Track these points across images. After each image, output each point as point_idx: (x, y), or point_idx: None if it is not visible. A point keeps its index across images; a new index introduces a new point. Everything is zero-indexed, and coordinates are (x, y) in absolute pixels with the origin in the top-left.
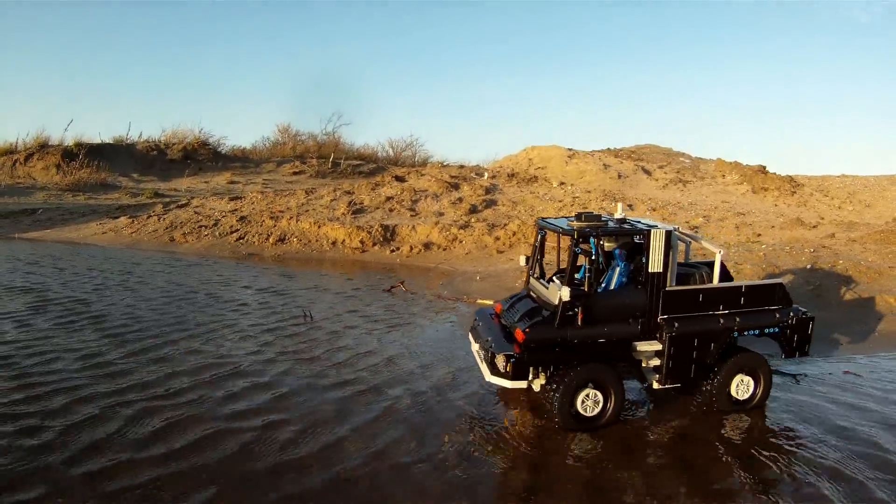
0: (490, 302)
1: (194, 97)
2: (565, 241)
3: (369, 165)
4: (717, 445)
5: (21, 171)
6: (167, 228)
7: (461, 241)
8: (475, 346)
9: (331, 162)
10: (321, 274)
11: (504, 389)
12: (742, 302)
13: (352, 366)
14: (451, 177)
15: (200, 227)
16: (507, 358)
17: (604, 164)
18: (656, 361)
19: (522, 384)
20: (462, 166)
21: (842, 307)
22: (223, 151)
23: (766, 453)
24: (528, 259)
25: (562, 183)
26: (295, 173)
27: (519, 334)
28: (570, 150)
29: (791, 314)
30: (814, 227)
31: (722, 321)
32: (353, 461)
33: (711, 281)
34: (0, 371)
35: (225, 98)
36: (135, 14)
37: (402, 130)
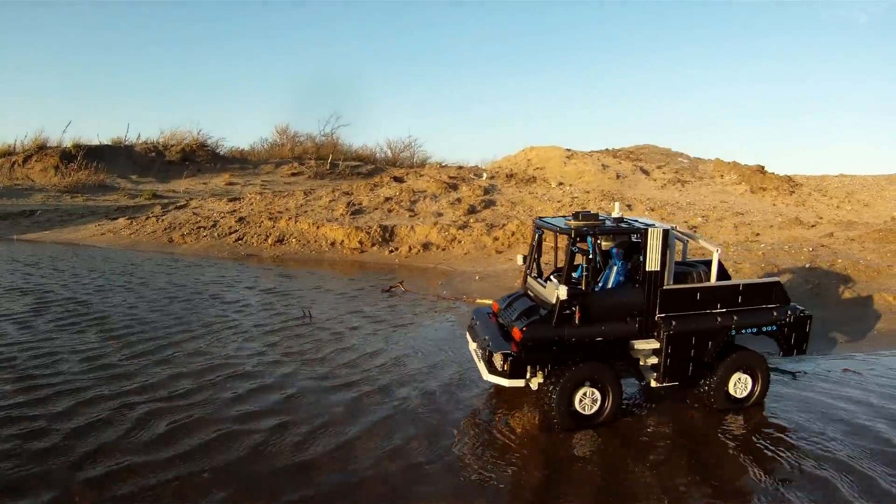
0: (489, 301)
1: (193, 98)
2: (563, 241)
3: (367, 166)
4: (723, 441)
5: (19, 172)
6: (166, 229)
7: (460, 242)
8: (473, 345)
9: (329, 163)
10: (321, 274)
11: (506, 389)
12: (739, 300)
13: (358, 366)
14: (450, 177)
15: (199, 228)
16: (505, 356)
17: (602, 165)
18: (654, 360)
19: (520, 383)
20: (461, 167)
21: (840, 306)
22: (221, 153)
23: (773, 448)
24: (525, 258)
25: (560, 183)
26: (293, 174)
27: (516, 333)
28: (568, 150)
29: (789, 312)
30: (812, 226)
31: (719, 319)
32: (365, 462)
33: (709, 279)
34: (4, 373)
35: (223, 99)
36: (133, 15)
37: (400, 131)
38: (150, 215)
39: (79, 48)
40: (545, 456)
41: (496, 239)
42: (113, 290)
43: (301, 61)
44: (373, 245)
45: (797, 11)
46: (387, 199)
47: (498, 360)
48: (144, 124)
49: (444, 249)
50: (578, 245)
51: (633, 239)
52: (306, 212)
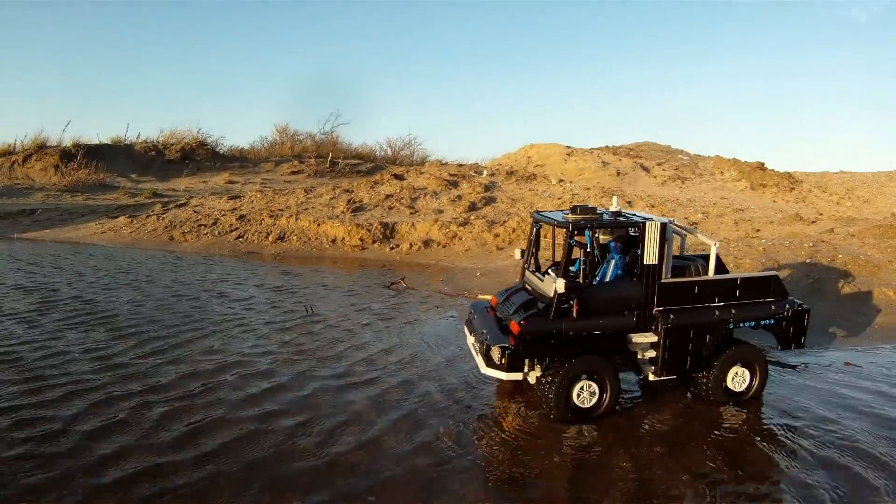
0: (490, 297)
1: (192, 97)
2: (561, 235)
3: (367, 165)
4: (744, 431)
5: (19, 172)
6: (166, 228)
7: (461, 239)
8: (471, 339)
9: (329, 161)
10: (325, 272)
11: (525, 384)
12: (737, 294)
13: (375, 362)
14: (450, 175)
15: (200, 226)
16: (503, 350)
17: (602, 162)
18: (652, 353)
19: (518, 376)
20: (461, 165)
21: (841, 300)
22: (221, 151)
23: (792, 436)
24: (523, 252)
25: (560, 180)
26: (293, 173)
27: (514, 326)
28: (568, 147)
29: (787, 306)
30: (812, 222)
31: (717, 313)
32: (393, 459)
33: (707, 273)
34: (15, 374)
35: (223, 99)
36: (133, 14)
37: (400, 130)
38: (151, 214)
39: (78, 48)
40: (573, 449)
41: (497, 236)
42: (118, 289)
43: (301, 60)
44: (374, 242)
45: (797, 10)
46: (387, 197)
47: (496, 353)
48: (144, 123)
49: (444, 246)
50: (576, 239)
51: (631, 233)
52: (307, 209)
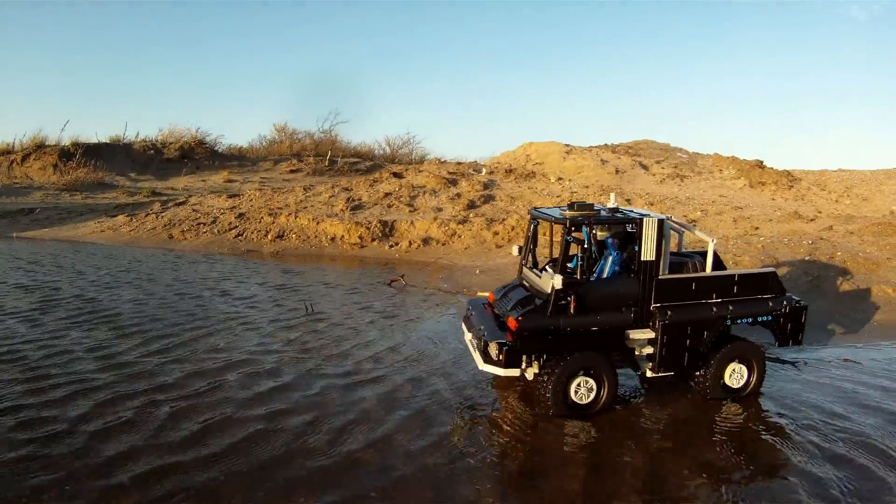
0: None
1: (191, 96)
2: (559, 231)
3: (366, 163)
4: (753, 428)
5: (18, 171)
6: (165, 226)
7: (460, 236)
8: (468, 336)
9: (328, 160)
10: (325, 270)
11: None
12: (735, 290)
13: (382, 360)
14: (449, 173)
15: (199, 224)
16: (500, 346)
17: (601, 160)
18: (649, 349)
19: (515, 372)
20: (460, 163)
21: (840, 297)
22: (220, 150)
23: (800, 429)
24: (521, 249)
25: (559, 178)
26: (292, 171)
27: (511, 322)
28: (567, 145)
29: (784, 303)
30: (811, 220)
31: (715, 309)
32: (405, 457)
33: (704, 270)
34: (20, 373)
35: (221, 98)
36: (131, 14)
37: (398, 129)
38: (150, 212)
39: (77, 47)
40: (581, 445)
41: (496, 233)
42: (120, 287)
43: (299, 59)
44: (373, 240)
45: (796, 9)
46: (386, 195)
47: (493, 349)
48: (143, 122)
49: (444, 244)
50: (574, 235)
51: (629, 229)
52: (306, 207)
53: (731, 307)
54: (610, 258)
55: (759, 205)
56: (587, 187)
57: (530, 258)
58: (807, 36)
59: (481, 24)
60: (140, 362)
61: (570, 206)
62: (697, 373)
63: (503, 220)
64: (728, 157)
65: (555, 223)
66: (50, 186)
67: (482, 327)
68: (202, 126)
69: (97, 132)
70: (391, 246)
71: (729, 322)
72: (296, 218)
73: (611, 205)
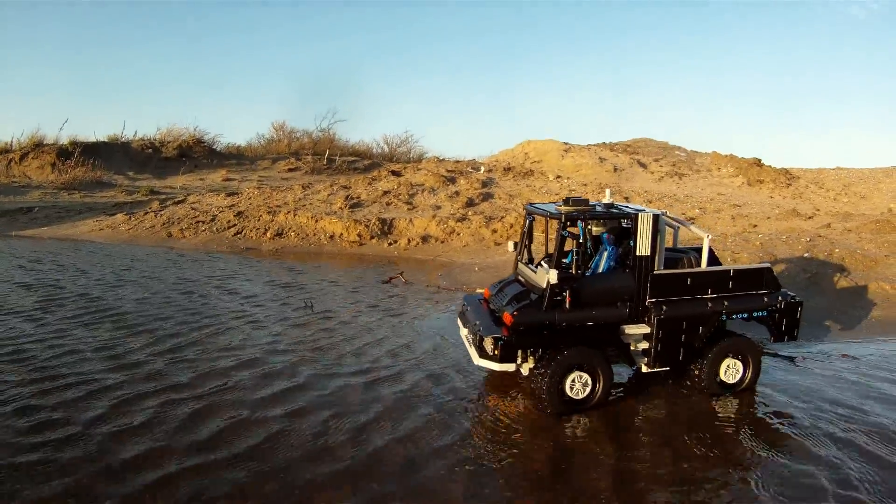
0: None
1: (189, 95)
2: (554, 226)
3: (364, 162)
4: (739, 418)
5: (16, 170)
6: (164, 224)
7: (459, 234)
8: (464, 331)
9: (326, 158)
10: (328, 268)
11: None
12: (730, 286)
13: (397, 356)
14: (448, 171)
15: (198, 222)
16: (496, 341)
17: (600, 158)
18: (645, 345)
19: (510, 367)
20: (458, 161)
21: (838, 294)
22: (218, 149)
23: (806, 418)
24: (516, 244)
25: (558, 176)
26: (290, 170)
27: (507, 317)
28: (565, 144)
29: (779, 298)
30: (809, 217)
31: (710, 305)
32: (428, 455)
33: (699, 265)
34: (29, 374)
35: (219, 97)
36: (131, 13)
37: (396, 128)
38: (149, 210)
39: (76, 46)
40: (616, 447)
41: (495, 231)
42: (124, 286)
43: (297, 58)
44: (371, 238)
45: (796, 8)
46: (385, 193)
47: (489, 344)
48: (141, 121)
49: (443, 242)
50: (569, 230)
51: (624, 224)
52: (305, 205)
53: (726, 302)
54: (605, 253)
55: (758, 202)
56: (586, 185)
57: (526, 253)
58: (805, 34)
59: (480, 21)
60: (151, 362)
61: (566, 201)
62: (693, 368)
63: (502, 217)
64: (726, 156)
65: (550, 218)
66: (48, 185)
67: (478, 322)
68: (200, 125)
69: (95, 131)
70: (390, 244)
71: (724, 317)
72: (294, 216)
73: (606, 200)
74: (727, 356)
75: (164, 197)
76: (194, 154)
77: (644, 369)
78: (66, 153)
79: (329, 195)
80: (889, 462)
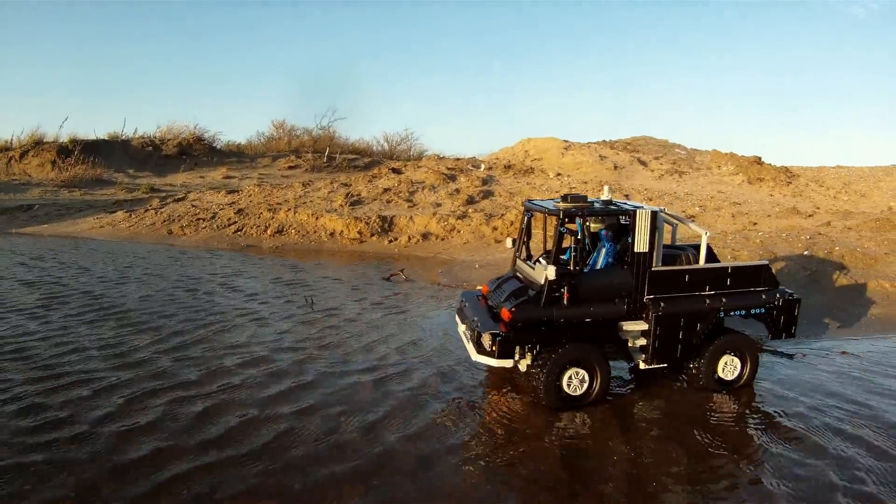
0: None
1: (189, 92)
2: (552, 224)
3: (364, 159)
4: (743, 414)
5: (16, 168)
6: (164, 222)
7: (459, 232)
8: (462, 327)
9: (326, 156)
10: (330, 266)
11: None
12: (728, 283)
13: (405, 353)
14: (448, 168)
15: (198, 220)
16: (493, 337)
17: (600, 156)
18: (642, 341)
19: (508, 363)
20: (458, 159)
21: (837, 292)
22: (218, 147)
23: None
24: (514, 241)
25: (558, 174)
26: (290, 168)
27: (505, 313)
28: (566, 141)
29: (777, 295)
30: (809, 215)
31: (708, 301)
32: (441, 453)
33: (698, 262)
34: (34, 372)
35: (219, 95)
36: (130, 12)
37: (397, 125)
38: (149, 208)
39: (76, 45)
40: (630, 449)
41: (495, 229)
42: (127, 283)
43: (298, 56)
44: (372, 235)
45: (796, 7)
46: (385, 190)
47: (486, 340)
48: (141, 119)
49: (443, 239)
50: (567, 226)
51: (622, 221)
52: (305, 203)
53: (724, 299)
54: (603, 250)
55: (758, 201)
56: (586, 183)
57: (524, 250)
58: (805, 34)
59: (480, 21)
60: (156, 359)
61: (564, 197)
62: (691, 365)
63: (502, 215)
64: (726, 154)
65: (548, 215)
66: (48, 183)
67: (476, 318)
68: (200, 123)
69: (95, 129)
70: (390, 241)
71: (722, 314)
72: (295, 213)
73: (604, 196)
74: (725, 353)
75: (164, 194)
76: (194, 152)
77: (642, 366)
78: (67, 151)
79: (329, 193)
80: None
